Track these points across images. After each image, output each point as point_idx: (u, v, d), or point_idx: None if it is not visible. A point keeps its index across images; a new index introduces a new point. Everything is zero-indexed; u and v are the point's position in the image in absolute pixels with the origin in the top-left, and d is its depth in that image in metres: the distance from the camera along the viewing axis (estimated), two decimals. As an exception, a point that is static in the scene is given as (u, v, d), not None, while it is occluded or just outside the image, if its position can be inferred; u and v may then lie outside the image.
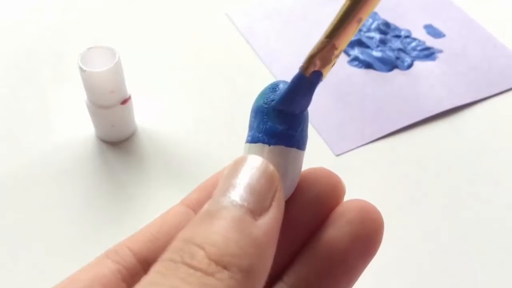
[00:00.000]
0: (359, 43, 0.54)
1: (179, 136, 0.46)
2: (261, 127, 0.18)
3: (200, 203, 0.19)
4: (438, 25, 0.57)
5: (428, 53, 0.54)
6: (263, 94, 0.18)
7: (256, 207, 0.15)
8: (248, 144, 0.18)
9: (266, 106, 0.18)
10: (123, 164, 0.43)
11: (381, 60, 0.53)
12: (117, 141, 0.45)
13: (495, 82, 0.52)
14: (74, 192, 0.42)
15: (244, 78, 0.51)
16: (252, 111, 0.18)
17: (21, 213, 0.40)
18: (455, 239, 0.40)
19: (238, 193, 0.15)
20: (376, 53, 0.53)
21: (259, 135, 0.18)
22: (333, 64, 0.17)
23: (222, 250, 0.13)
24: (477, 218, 0.41)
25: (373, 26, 0.56)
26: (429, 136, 0.47)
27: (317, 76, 0.17)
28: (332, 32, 0.16)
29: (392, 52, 0.54)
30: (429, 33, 0.57)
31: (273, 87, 0.18)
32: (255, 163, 0.16)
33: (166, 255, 0.14)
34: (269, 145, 0.17)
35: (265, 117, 0.18)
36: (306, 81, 0.17)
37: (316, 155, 0.44)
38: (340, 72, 0.52)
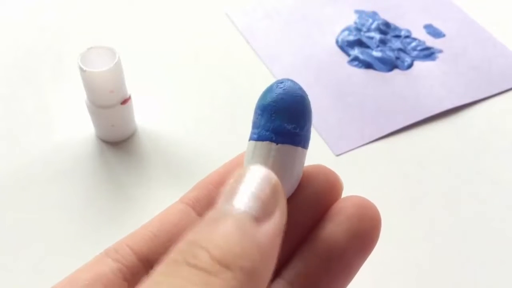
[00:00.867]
0: (359, 43, 0.54)
1: (179, 136, 0.46)
2: (269, 125, 0.18)
3: (199, 201, 0.19)
4: (438, 25, 0.57)
5: (428, 53, 0.54)
6: (269, 91, 0.18)
7: (260, 213, 0.15)
8: (253, 142, 0.18)
9: (274, 104, 0.18)
10: (123, 164, 0.43)
11: (381, 60, 0.53)
12: (117, 141, 0.45)
13: (495, 82, 0.52)
14: (74, 192, 0.42)
15: (244, 78, 0.51)
16: (257, 108, 0.18)
17: (21, 213, 0.40)
18: (455, 239, 0.40)
19: (242, 200, 0.15)
20: (376, 53, 0.53)
21: (267, 133, 0.18)
22: None
23: (226, 252, 0.13)
24: (477, 218, 0.41)
25: (373, 26, 0.56)
26: (429, 136, 0.47)
27: None
28: None
29: (392, 52, 0.54)
30: (429, 33, 0.57)
31: (280, 84, 0.18)
32: (258, 174, 0.16)
33: (170, 256, 0.14)
34: (277, 144, 0.17)
35: (273, 115, 0.18)
36: None
37: (316, 155, 0.44)
38: (340, 72, 0.52)
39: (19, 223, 0.40)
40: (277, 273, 0.18)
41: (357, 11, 0.59)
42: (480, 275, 0.38)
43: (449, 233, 0.40)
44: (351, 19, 0.58)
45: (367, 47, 0.54)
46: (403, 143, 0.46)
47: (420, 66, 0.53)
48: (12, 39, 0.55)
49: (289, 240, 0.18)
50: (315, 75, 0.51)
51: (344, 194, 0.19)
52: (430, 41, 0.55)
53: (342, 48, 0.54)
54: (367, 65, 0.52)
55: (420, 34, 0.56)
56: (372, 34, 0.55)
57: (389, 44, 0.54)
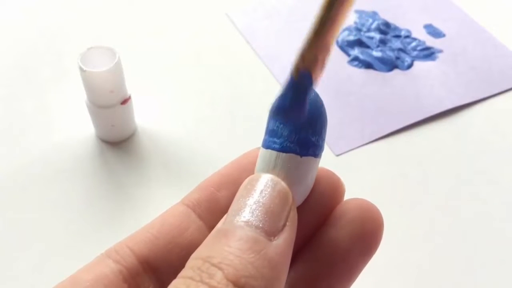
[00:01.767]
0: (359, 43, 0.54)
1: (179, 136, 0.46)
2: (293, 136, 0.17)
3: (200, 203, 0.19)
4: (438, 25, 0.57)
5: (428, 53, 0.54)
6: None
7: (271, 227, 0.15)
8: (275, 152, 0.17)
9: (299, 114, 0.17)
10: (123, 164, 0.43)
11: (381, 60, 0.53)
12: (117, 141, 0.45)
13: (495, 82, 0.52)
14: (74, 192, 0.42)
15: (244, 78, 0.51)
16: (276, 115, 0.17)
17: (21, 213, 0.40)
18: (455, 239, 0.40)
19: (252, 213, 0.15)
20: (376, 53, 0.53)
21: (291, 145, 0.17)
22: (324, 65, 0.16)
23: (239, 271, 0.14)
24: (477, 218, 0.41)
25: (373, 26, 0.56)
26: (429, 136, 0.47)
27: (306, 78, 0.16)
28: (319, 28, 0.15)
29: (392, 52, 0.54)
30: (429, 33, 0.57)
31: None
32: (269, 182, 0.16)
33: (185, 272, 0.14)
34: (301, 156, 0.17)
35: (298, 126, 0.17)
36: (296, 85, 0.16)
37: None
38: (340, 72, 0.52)
39: (19, 223, 0.40)
40: None
41: (357, 11, 0.59)
42: (480, 275, 0.38)
43: (449, 233, 0.40)
44: (351, 19, 0.58)
45: (367, 47, 0.54)
46: (403, 143, 0.46)
47: (420, 66, 0.53)
48: (12, 39, 0.55)
49: None
50: (315, 75, 0.51)
51: (344, 194, 0.19)
52: (430, 41, 0.55)
53: (342, 48, 0.54)
54: (367, 65, 0.52)
55: (420, 34, 0.56)
56: (372, 34, 0.55)
57: (389, 44, 0.54)
